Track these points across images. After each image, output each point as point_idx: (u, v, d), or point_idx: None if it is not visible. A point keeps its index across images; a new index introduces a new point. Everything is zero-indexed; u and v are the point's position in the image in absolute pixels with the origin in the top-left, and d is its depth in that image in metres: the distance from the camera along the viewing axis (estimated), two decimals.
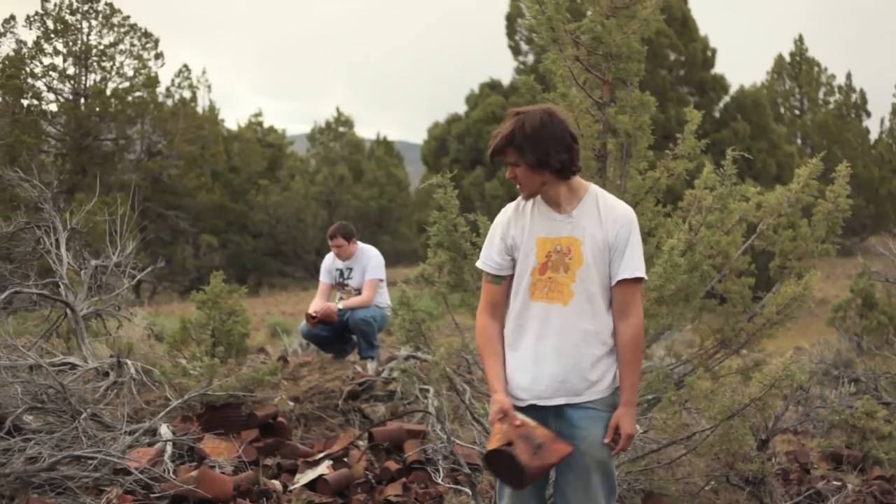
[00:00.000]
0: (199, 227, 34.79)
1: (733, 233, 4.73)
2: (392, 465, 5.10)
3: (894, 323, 11.49)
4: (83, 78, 27.72)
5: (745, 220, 4.73)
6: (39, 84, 26.66)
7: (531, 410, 3.08)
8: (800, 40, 45.59)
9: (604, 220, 3.05)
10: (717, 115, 32.84)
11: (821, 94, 45.62)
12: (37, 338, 6.82)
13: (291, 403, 6.04)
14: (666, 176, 4.63)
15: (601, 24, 4.48)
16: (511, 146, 2.99)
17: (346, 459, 5.16)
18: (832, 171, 4.78)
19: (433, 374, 4.46)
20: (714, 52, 33.56)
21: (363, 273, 7.36)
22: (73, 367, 6.07)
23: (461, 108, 36.02)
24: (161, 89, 31.24)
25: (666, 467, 4.79)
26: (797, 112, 45.92)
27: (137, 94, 28.89)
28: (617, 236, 3.04)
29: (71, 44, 27.27)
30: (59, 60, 27.20)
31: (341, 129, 45.11)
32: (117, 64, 28.15)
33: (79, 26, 27.45)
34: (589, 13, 4.66)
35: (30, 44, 26.55)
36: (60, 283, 6.85)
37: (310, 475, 4.91)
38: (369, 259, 7.40)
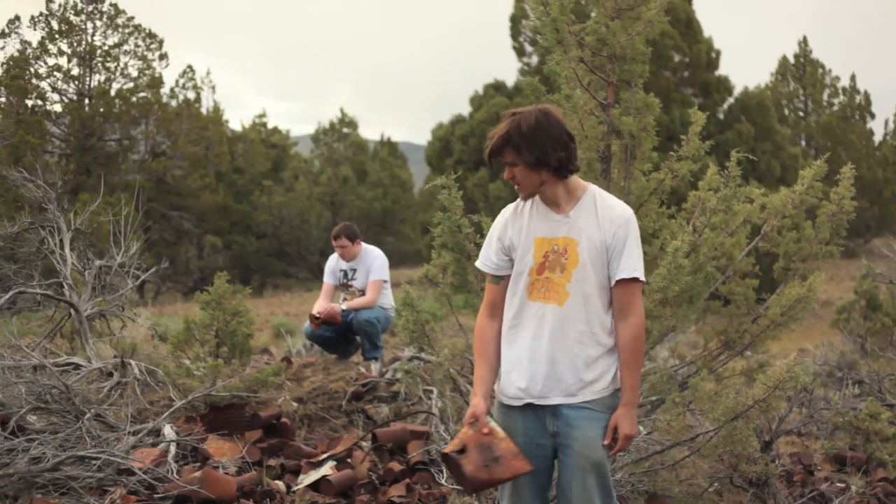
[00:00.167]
0: (203, 227, 34.84)
1: (737, 234, 4.71)
2: (395, 466, 5.11)
3: None
4: (87, 78, 27.73)
5: (749, 221, 4.72)
6: (44, 84, 26.67)
7: (529, 410, 3.08)
8: (804, 42, 45.53)
9: (601, 221, 3.05)
10: (721, 116, 32.84)
11: (825, 96, 45.58)
12: (41, 338, 6.83)
13: (295, 404, 6.05)
14: (670, 177, 4.62)
15: (606, 26, 4.48)
16: (508, 146, 2.99)
17: (349, 460, 5.16)
18: (836, 172, 4.77)
19: (437, 375, 4.47)
20: (718, 53, 33.58)
21: (367, 274, 7.36)
22: (77, 367, 6.08)
23: (465, 110, 36.13)
24: (165, 90, 31.30)
25: (669, 469, 4.78)
26: (801, 114, 45.87)
27: (142, 94, 28.89)
28: (615, 236, 3.03)
29: (75, 44, 27.28)
30: (63, 61, 27.26)
31: (345, 129, 45.13)
32: (122, 64, 28.16)
33: (83, 27, 27.46)
34: (593, 14, 4.66)
35: (34, 44, 26.58)
36: (64, 284, 6.87)
37: (313, 476, 4.91)
38: (373, 260, 7.40)
